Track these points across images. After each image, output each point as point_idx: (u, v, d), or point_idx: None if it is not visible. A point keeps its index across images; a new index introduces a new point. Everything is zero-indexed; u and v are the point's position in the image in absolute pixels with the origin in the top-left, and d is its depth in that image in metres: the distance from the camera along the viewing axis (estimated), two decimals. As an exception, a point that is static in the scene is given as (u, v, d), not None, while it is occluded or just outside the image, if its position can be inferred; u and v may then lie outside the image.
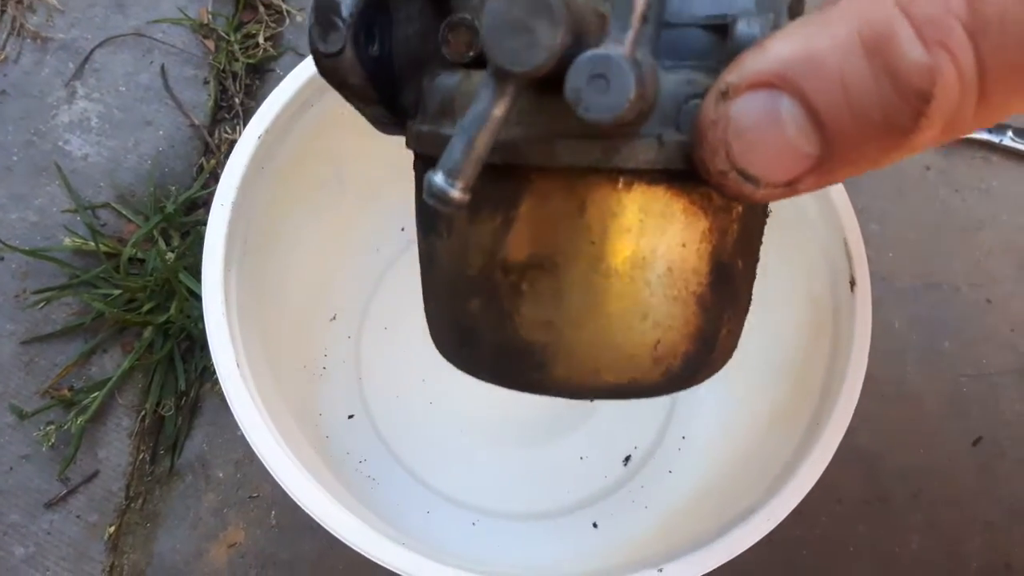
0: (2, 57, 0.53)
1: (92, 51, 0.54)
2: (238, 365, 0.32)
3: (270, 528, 0.43)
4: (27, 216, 0.49)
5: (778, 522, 0.30)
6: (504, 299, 0.20)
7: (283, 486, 0.31)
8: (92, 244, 0.47)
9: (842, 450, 0.32)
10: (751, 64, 0.14)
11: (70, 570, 0.42)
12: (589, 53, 0.15)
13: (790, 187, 0.15)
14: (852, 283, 0.34)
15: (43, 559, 0.42)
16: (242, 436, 0.44)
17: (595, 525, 0.43)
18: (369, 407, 0.45)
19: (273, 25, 0.55)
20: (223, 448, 0.44)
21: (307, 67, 0.37)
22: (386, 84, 0.20)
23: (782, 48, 0.14)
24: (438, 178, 0.16)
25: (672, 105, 0.17)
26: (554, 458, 0.44)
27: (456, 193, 0.16)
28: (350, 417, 0.45)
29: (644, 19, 0.15)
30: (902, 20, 0.13)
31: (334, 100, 0.39)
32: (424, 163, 0.20)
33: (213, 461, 0.44)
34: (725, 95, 0.15)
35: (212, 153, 0.51)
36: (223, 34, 0.54)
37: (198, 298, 0.46)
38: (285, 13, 0.55)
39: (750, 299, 0.22)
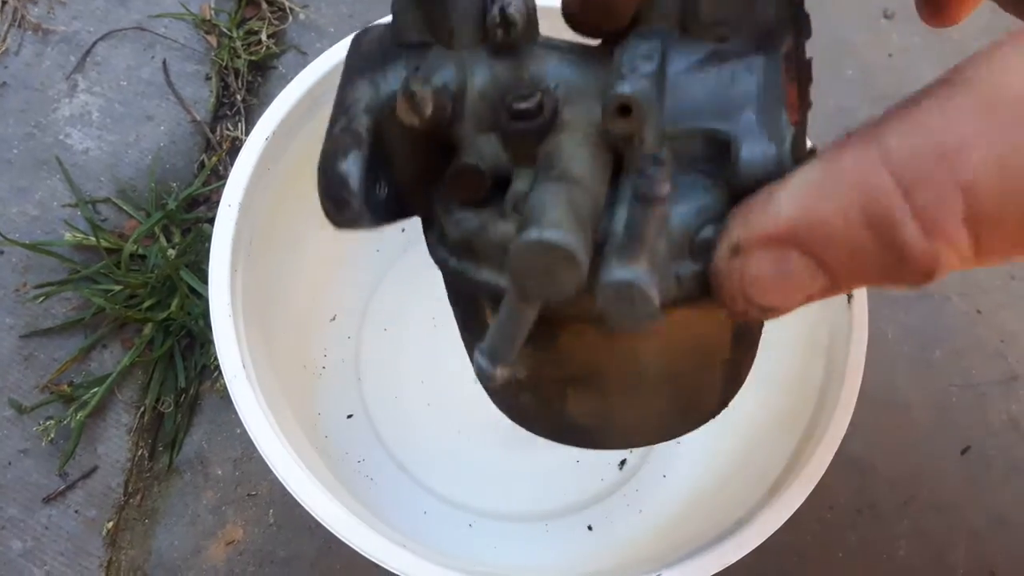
0: (3, 49, 0.53)
1: (94, 44, 0.54)
2: (244, 366, 0.33)
3: (268, 526, 0.43)
4: (27, 210, 0.49)
5: (774, 530, 0.31)
6: (553, 399, 0.23)
7: (289, 489, 0.31)
8: (93, 239, 0.47)
9: (834, 457, 0.33)
10: (760, 222, 0.15)
11: (68, 565, 0.42)
12: (614, 279, 0.16)
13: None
14: (849, 297, 0.35)
15: (41, 553, 0.42)
16: (241, 434, 0.45)
17: (590, 528, 0.43)
18: (368, 407, 0.45)
19: (276, 23, 0.55)
20: (222, 446, 0.45)
21: (314, 70, 0.38)
22: (394, 212, 0.21)
23: (789, 208, 0.15)
24: (483, 361, 0.18)
25: (683, 235, 0.18)
26: (550, 461, 0.44)
27: (500, 372, 0.18)
28: (349, 417, 0.45)
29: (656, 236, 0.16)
30: (904, 207, 0.14)
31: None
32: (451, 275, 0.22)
33: (212, 459, 0.44)
34: (737, 250, 0.16)
35: (213, 150, 0.52)
36: (225, 30, 0.54)
37: (199, 295, 0.46)
38: (288, 10, 0.55)
39: (761, 329, 0.24)
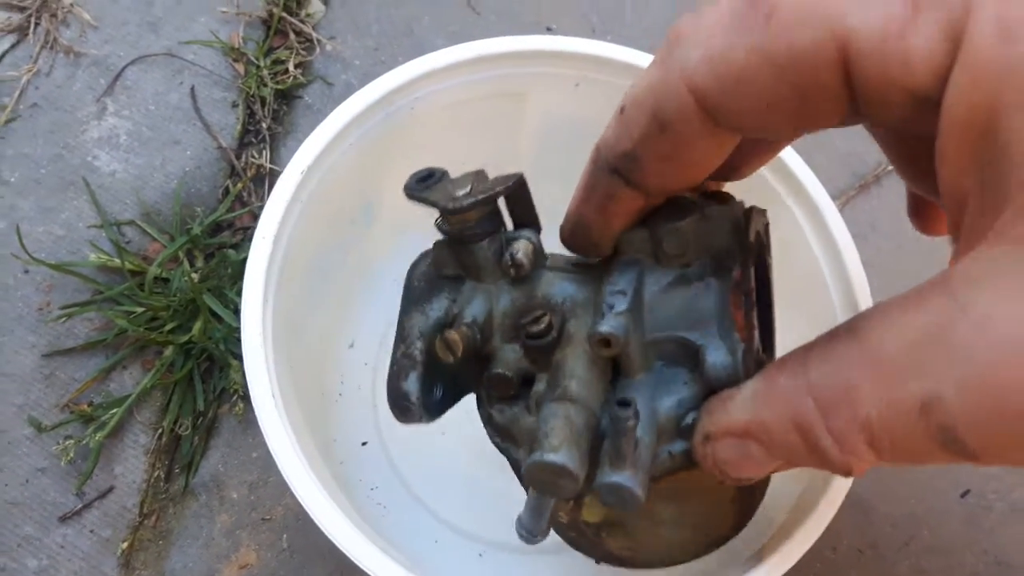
0: (35, 69, 0.54)
1: (124, 68, 0.55)
2: (272, 396, 0.34)
3: (282, 551, 0.44)
4: (53, 230, 0.50)
5: (787, 568, 0.31)
6: (591, 537, 0.29)
7: (315, 519, 0.32)
8: (117, 261, 0.48)
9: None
10: (722, 420, 0.21)
11: (82, 584, 0.42)
12: (606, 481, 0.22)
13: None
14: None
15: (56, 572, 0.43)
16: (257, 458, 0.45)
17: (598, 562, 0.44)
18: (382, 435, 0.46)
19: (303, 53, 0.56)
20: (238, 469, 0.45)
21: (351, 106, 0.39)
22: (449, 403, 0.29)
23: (742, 411, 0.20)
24: (523, 532, 0.24)
25: (671, 421, 0.23)
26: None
27: (538, 538, 0.24)
28: (363, 444, 0.46)
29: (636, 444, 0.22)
30: (822, 426, 0.18)
31: (369, 138, 0.40)
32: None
33: (228, 482, 0.45)
34: (707, 439, 0.21)
35: (238, 176, 0.53)
36: (253, 59, 0.56)
37: (220, 319, 0.47)
38: (315, 42, 0.57)
39: None
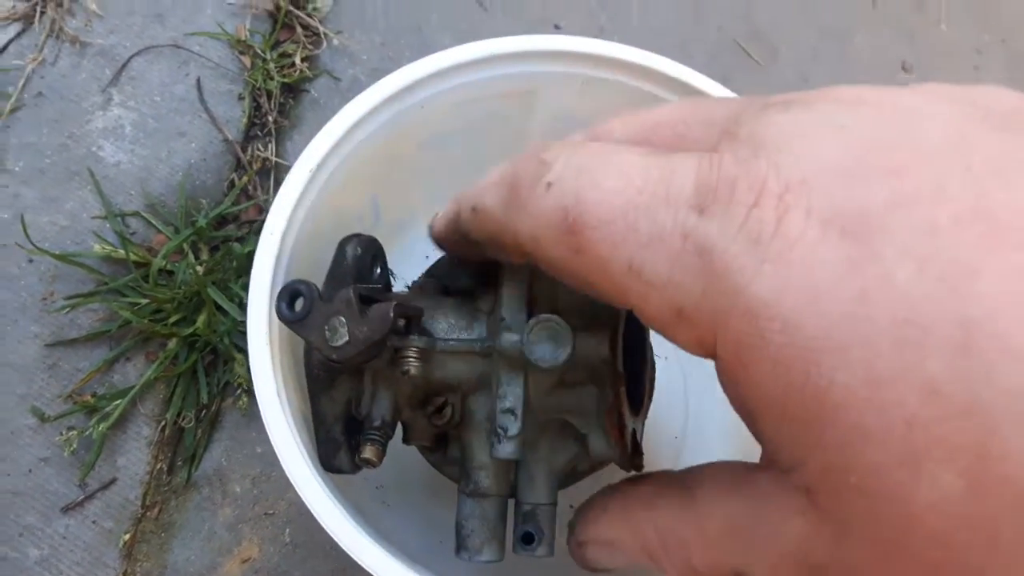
0: (40, 59, 0.54)
1: (130, 59, 0.55)
2: (277, 394, 0.33)
3: (284, 545, 0.44)
4: (57, 220, 0.50)
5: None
6: None
7: (317, 516, 0.32)
8: (121, 252, 0.48)
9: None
10: (591, 532, 0.24)
11: (84, 575, 0.43)
12: (527, 554, 0.28)
13: None
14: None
15: (57, 562, 0.43)
16: (261, 452, 0.45)
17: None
18: (386, 432, 0.46)
19: (310, 47, 0.56)
20: (241, 463, 0.45)
21: (360, 103, 0.39)
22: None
23: (606, 532, 0.23)
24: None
25: (569, 469, 0.29)
26: (563, 499, 0.45)
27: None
28: (367, 440, 0.46)
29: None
30: (666, 561, 0.21)
31: (377, 136, 0.40)
32: None
33: (231, 476, 0.45)
34: (580, 545, 0.24)
35: (244, 169, 0.52)
36: (259, 52, 0.55)
37: (225, 313, 0.47)
38: (322, 35, 0.56)
39: None
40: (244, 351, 0.45)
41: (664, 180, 0.17)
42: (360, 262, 0.31)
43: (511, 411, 0.26)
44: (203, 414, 0.46)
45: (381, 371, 0.28)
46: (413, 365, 0.27)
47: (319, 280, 0.36)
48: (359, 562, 0.33)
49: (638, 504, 0.22)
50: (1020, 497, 0.14)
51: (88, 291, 0.48)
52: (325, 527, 0.33)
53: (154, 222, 0.50)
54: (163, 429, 0.46)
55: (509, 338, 0.26)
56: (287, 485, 0.45)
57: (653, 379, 0.33)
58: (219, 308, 0.47)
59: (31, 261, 0.49)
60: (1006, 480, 0.14)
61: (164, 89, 0.54)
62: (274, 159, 0.53)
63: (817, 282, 0.15)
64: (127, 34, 0.55)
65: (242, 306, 0.42)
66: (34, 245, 0.48)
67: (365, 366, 0.29)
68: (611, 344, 0.26)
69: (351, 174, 0.40)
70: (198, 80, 0.54)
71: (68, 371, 0.46)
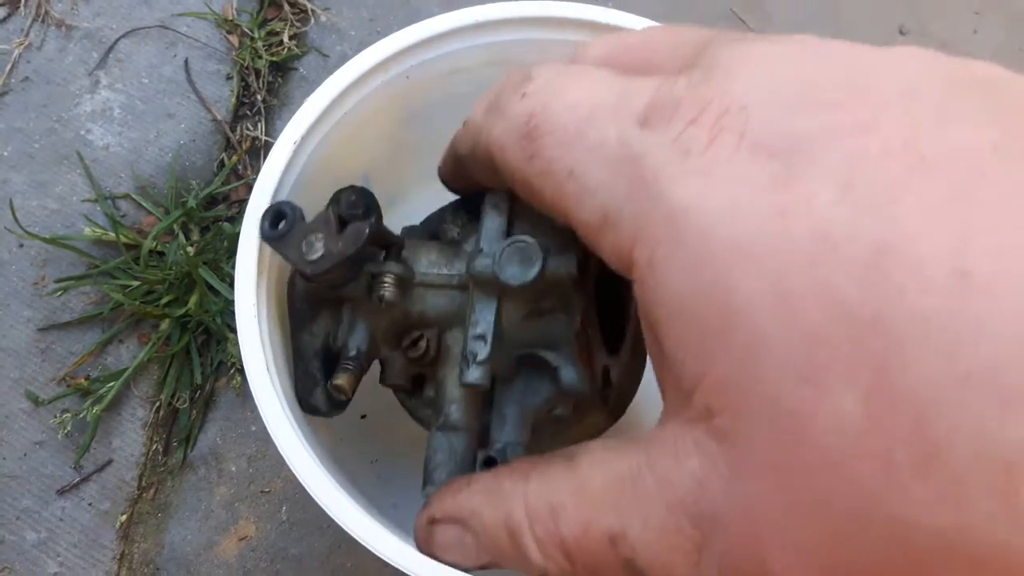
0: (26, 43, 0.54)
1: (116, 41, 0.54)
2: (267, 369, 0.33)
3: (281, 523, 0.44)
4: (47, 204, 0.50)
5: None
6: None
7: (311, 492, 0.32)
8: (112, 235, 0.48)
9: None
10: (449, 505, 0.23)
11: (81, 557, 0.43)
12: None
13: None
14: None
15: (55, 545, 0.43)
16: (256, 431, 0.45)
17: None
18: (382, 408, 0.46)
19: (298, 24, 0.56)
20: (236, 443, 0.45)
21: (343, 75, 0.38)
22: (350, 398, 0.31)
23: (466, 504, 0.22)
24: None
25: (543, 415, 0.27)
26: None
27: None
28: (363, 417, 0.45)
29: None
30: (529, 536, 0.20)
31: (363, 107, 0.40)
32: None
33: (226, 455, 0.45)
34: (431, 521, 0.23)
35: (233, 149, 0.52)
36: (247, 30, 0.55)
37: (217, 293, 0.47)
38: (310, 12, 0.56)
39: None
40: (236, 331, 0.45)
41: (621, 97, 0.18)
42: (352, 208, 0.30)
43: (482, 337, 0.25)
44: (197, 394, 0.46)
45: (359, 303, 0.28)
46: (388, 290, 0.27)
47: None
48: (355, 536, 0.32)
49: (510, 477, 0.21)
50: (916, 420, 0.13)
51: (79, 274, 0.48)
52: (320, 502, 0.32)
53: (144, 204, 0.50)
54: (157, 410, 0.45)
55: (483, 262, 0.26)
56: (282, 463, 0.45)
57: (644, 354, 0.32)
58: (211, 288, 0.47)
59: (21, 246, 0.48)
60: (904, 400, 0.14)
61: (152, 71, 0.54)
62: (263, 138, 0.52)
63: (738, 195, 0.15)
64: (113, 16, 0.55)
65: (233, 286, 0.41)
66: (24, 230, 0.48)
67: (344, 298, 0.29)
68: (580, 266, 0.26)
69: (339, 147, 0.39)
70: (186, 61, 0.54)
71: (61, 354, 0.46)
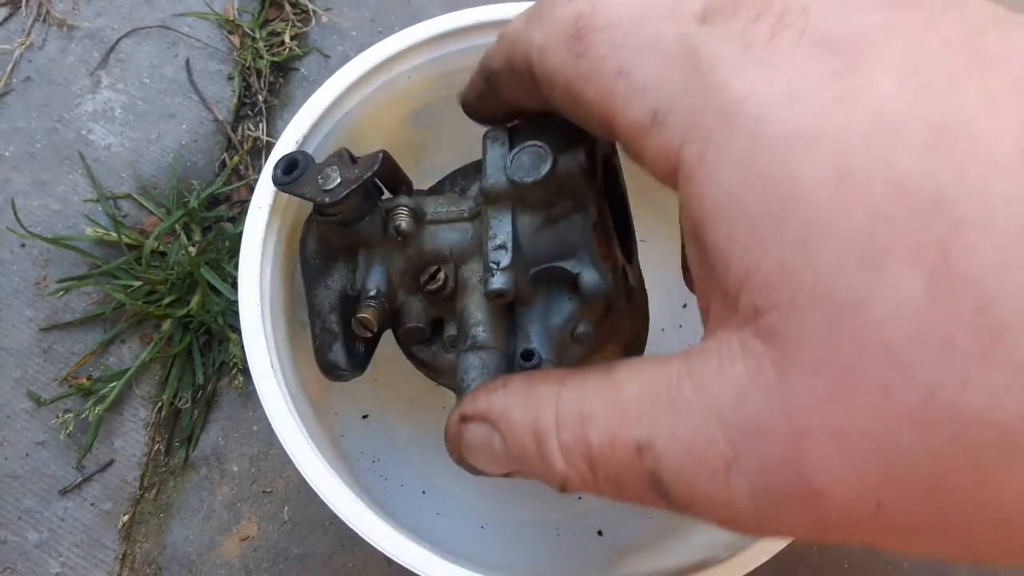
0: (27, 43, 0.54)
1: (118, 41, 0.54)
2: (272, 366, 0.33)
3: (283, 523, 0.43)
4: (49, 204, 0.50)
5: (789, 540, 0.31)
6: None
7: (316, 489, 0.32)
8: (114, 235, 0.48)
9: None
10: (481, 404, 0.22)
11: (83, 557, 0.43)
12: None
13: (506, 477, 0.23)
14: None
15: (57, 545, 0.43)
16: (258, 431, 0.45)
17: (600, 533, 0.44)
18: (384, 408, 0.46)
19: (299, 24, 0.56)
20: (238, 443, 0.45)
21: (344, 75, 0.38)
22: (372, 352, 0.32)
23: (499, 404, 0.21)
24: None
25: (566, 336, 0.27)
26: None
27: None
28: (365, 417, 0.45)
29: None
30: (554, 440, 0.19)
31: (366, 106, 0.40)
32: None
33: (228, 455, 0.45)
34: (463, 419, 0.22)
35: (235, 149, 0.52)
36: (248, 31, 0.55)
37: (219, 293, 0.47)
38: (311, 13, 0.56)
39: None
40: (238, 331, 0.45)
41: None
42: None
43: (502, 246, 0.25)
44: (199, 395, 0.46)
45: (374, 244, 0.28)
46: (404, 220, 0.27)
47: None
48: (357, 531, 0.32)
49: (546, 380, 0.20)
50: (980, 305, 0.13)
51: (81, 274, 0.48)
52: (322, 496, 0.32)
53: (146, 204, 0.50)
54: (159, 410, 0.45)
55: (494, 174, 0.26)
56: (285, 463, 0.45)
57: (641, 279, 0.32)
58: (213, 288, 0.47)
59: (23, 246, 0.48)
60: (968, 284, 0.13)
61: (153, 71, 0.54)
62: (265, 138, 0.52)
63: (798, 85, 0.15)
64: (115, 16, 0.55)
65: (235, 286, 0.41)
66: (26, 230, 0.48)
67: (359, 241, 0.29)
68: (588, 157, 0.26)
69: (340, 145, 0.39)
70: (187, 61, 0.54)
71: (63, 354, 0.46)
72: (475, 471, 0.23)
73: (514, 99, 0.24)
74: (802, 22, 0.16)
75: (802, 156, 0.15)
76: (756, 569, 0.31)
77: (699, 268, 0.18)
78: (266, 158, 0.52)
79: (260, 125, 0.53)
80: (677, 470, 0.17)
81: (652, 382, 0.18)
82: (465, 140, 0.32)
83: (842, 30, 0.15)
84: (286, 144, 0.37)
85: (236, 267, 0.48)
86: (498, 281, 0.25)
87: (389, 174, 0.29)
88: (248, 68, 0.54)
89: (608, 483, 0.18)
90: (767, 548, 0.31)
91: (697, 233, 0.17)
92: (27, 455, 0.44)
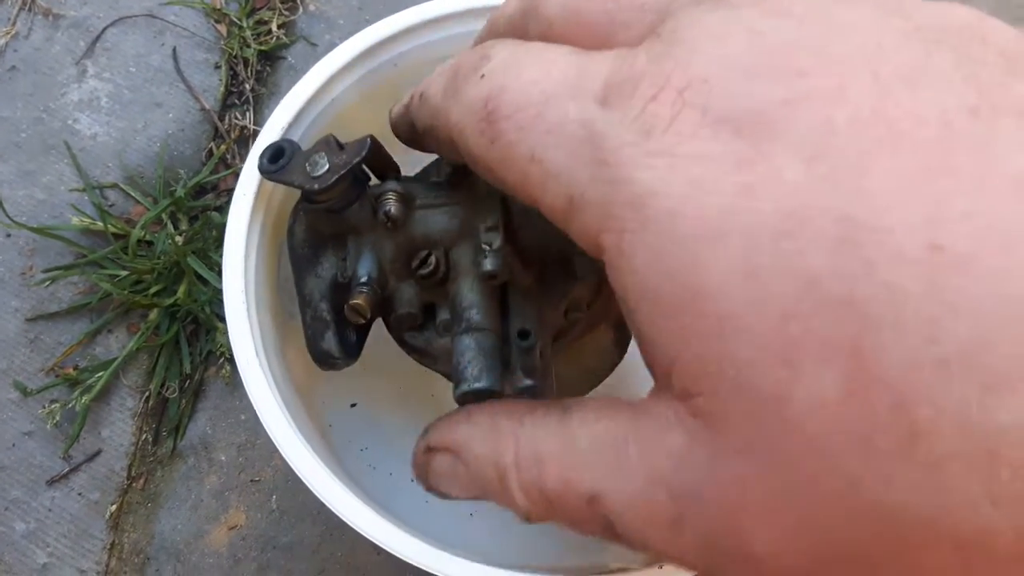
0: (13, 32, 0.53)
1: (104, 30, 0.54)
2: (256, 353, 0.33)
3: (271, 512, 0.43)
4: (34, 193, 0.49)
5: None
6: None
7: (301, 476, 0.32)
8: (100, 224, 0.47)
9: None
10: (445, 436, 0.22)
11: (71, 547, 0.42)
12: (524, 387, 0.26)
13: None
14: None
15: (44, 535, 0.43)
16: (245, 420, 0.45)
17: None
18: (371, 396, 0.46)
19: (286, 13, 0.55)
20: (226, 432, 0.45)
21: (330, 62, 0.38)
22: (364, 340, 0.32)
23: (461, 436, 0.22)
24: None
25: (559, 318, 0.27)
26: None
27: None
28: (352, 406, 0.45)
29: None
30: (515, 478, 0.20)
31: (351, 94, 0.40)
32: None
33: (216, 444, 0.45)
34: (430, 449, 0.23)
35: (222, 138, 0.52)
36: (235, 19, 0.55)
37: (206, 282, 0.47)
38: (298, 2, 0.56)
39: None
40: (225, 320, 0.45)
41: (580, 74, 0.17)
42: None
43: (494, 228, 0.25)
44: (186, 384, 0.46)
45: (364, 230, 0.28)
46: (393, 205, 0.27)
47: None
48: (344, 518, 0.32)
49: (507, 414, 0.21)
50: (895, 404, 0.13)
51: (67, 264, 0.47)
52: (308, 485, 0.32)
53: (132, 193, 0.49)
54: (147, 400, 0.45)
55: None
56: (272, 452, 0.45)
57: None
58: (199, 278, 0.47)
59: (9, 236, 0.48)
60: (882, 384, 0.13)
61: (139, 60, 0.53)
62: (252, 127, 0.52)
63: (703, 175, 0.15)
64: (101, 5, 0.55)
65: (222, 274, 0.41)
66: (11, 219, 0.47)
67: (348, 228, 0.28)
68: None
69: (325, 133, 0.39)
70: (174, 50, 0.54)
71: (50, 344, 0.46)
72: (444, 496, 0.24)
73: (446, 156, 0.25)
74: (703, 98, 0.15)
75: (711, 252, 0.15)
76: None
77: (636, 338, 0.18)
78: (253, 147, 0.52)
79: (247, 114, 0.53)
80: (628, 522, 0.17)
81: (602, 436, 0.18)
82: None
83: (745, 107, 0.15)
84: (271, 133, 0.36)
85: (223, 256, 0.47)
86: (492, 262, 0.25)
87: (377, 159, 0.29)
88: (235, 57, 0.54)
89: (567, 521, 0.19)
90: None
91: (627, 314, 0.17)
92: (14, 445, 0.44)
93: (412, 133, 0.25)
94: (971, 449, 0.13)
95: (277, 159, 0.28)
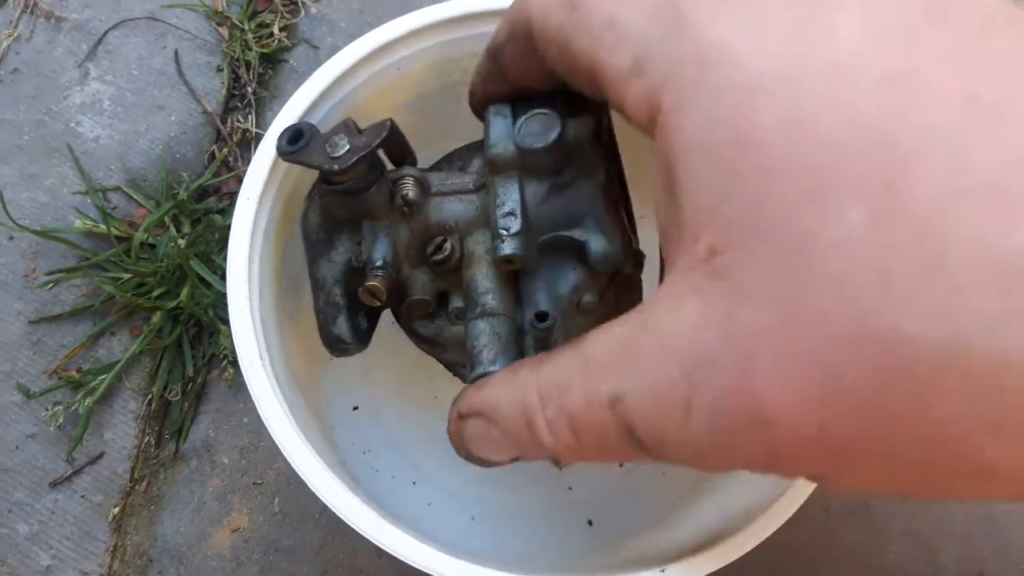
0: (15, 34, 0.53)
1: (106, 33, 0.54)
2: (260, 356, 0.33)
3: (273, 515, 0.44)
4: (37, 196, 0.49)
5: (776, 528, 0.31)
6: None
7: (304, 478, 0.32)
8: (103, 227, 0.48)
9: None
10: (473, 400, 0.23)
11: (74, 549, 0.43)
12: None
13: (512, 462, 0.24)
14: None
15: (47, 537, 0.43)
16: (248, 423, 0.45)
17: (590, 523, 0.44)
18: (374, 399, 0.46)
19: (288, 16, 0.55)
20: (228, 434, 0.45)
21: (333, 66, 0.38)
22: (374, 326, 0.32)
23: (488, 397, 0.23)
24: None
25: (572, 305, 0.26)
26: (553, 456, 0.45)
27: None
28: (355, 409, 0.45)
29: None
30: (541, 419, 0.20)
31: (353, 97, 0.40)
32: None
33: (219, 447, 0.45)
34: (461, 416, 0.24)
35: (224, 141, 0.52)
36: (237, 22, 0.55)
37: (208, 285, 0.47)
38: (300, 4, 0.56)
39: None
40: (228, 322, 0.45)
41: None
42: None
43: (511, 213, 0.25)
44: (189, 387, 0.46)
45: (380, 215, 0.28)
46: (410, 189, 0.27)
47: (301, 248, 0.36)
48: (346, 520, 0.32)
49: (526, 366, 0.22)
50: (919, 232, 0.14)
51: (70, 267, 0.47)
52: (311, 486, 0.32)
53: (135, 196, 0.49)
54: (150, 403, 0.45)
55: (500, 143, 0.26)
56: (275, 455, 0.45)
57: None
58: (202, 281, 0.47)
59: (11, 238, 0.48)
60: (909, 213, 0.14)
61: (141, 62, 0.53)
62: (254, 130, 0.52)
63: (767, 33, 0.16)
64: (103, 8, 0.55)
65: (224, 277, 0.41)
66: (14, 222, 0.48)
67: (364, 212, 0.28)
68: (597, 122, 0.26)
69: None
70: (176, 52, 0.54)
71: (52, 347, 0.46)
72: (483, 463, 0.24)
73: (519, 77, 0.25)
74: None
75: (764, 103, 0.16)
76: (747, 559, 0.31)
77: (665, 216, 0.18)
78: (255, 150, 0.52)
79: (249, 117, 0.53)
80: (646, 417, 0.17)
81: (615, 338, 0.19)
82: (459, 129, 0.32)
83: None
84: (274, 135, 0.36)
85: (226, 259, 0.48)
86: (509, 246, 0.25)
87: (397, 144, 0.29)
88: (237, 60, 0.54)
89: (592, 446, 0.19)
90: (756, 533, 0.31)
91: (667, 178, 0.18)
92: (17, 448, 0.44)
93: (490, 69, 0.26)
94: (990, 271, 0.13)
95: (296, 141, 0.28)
